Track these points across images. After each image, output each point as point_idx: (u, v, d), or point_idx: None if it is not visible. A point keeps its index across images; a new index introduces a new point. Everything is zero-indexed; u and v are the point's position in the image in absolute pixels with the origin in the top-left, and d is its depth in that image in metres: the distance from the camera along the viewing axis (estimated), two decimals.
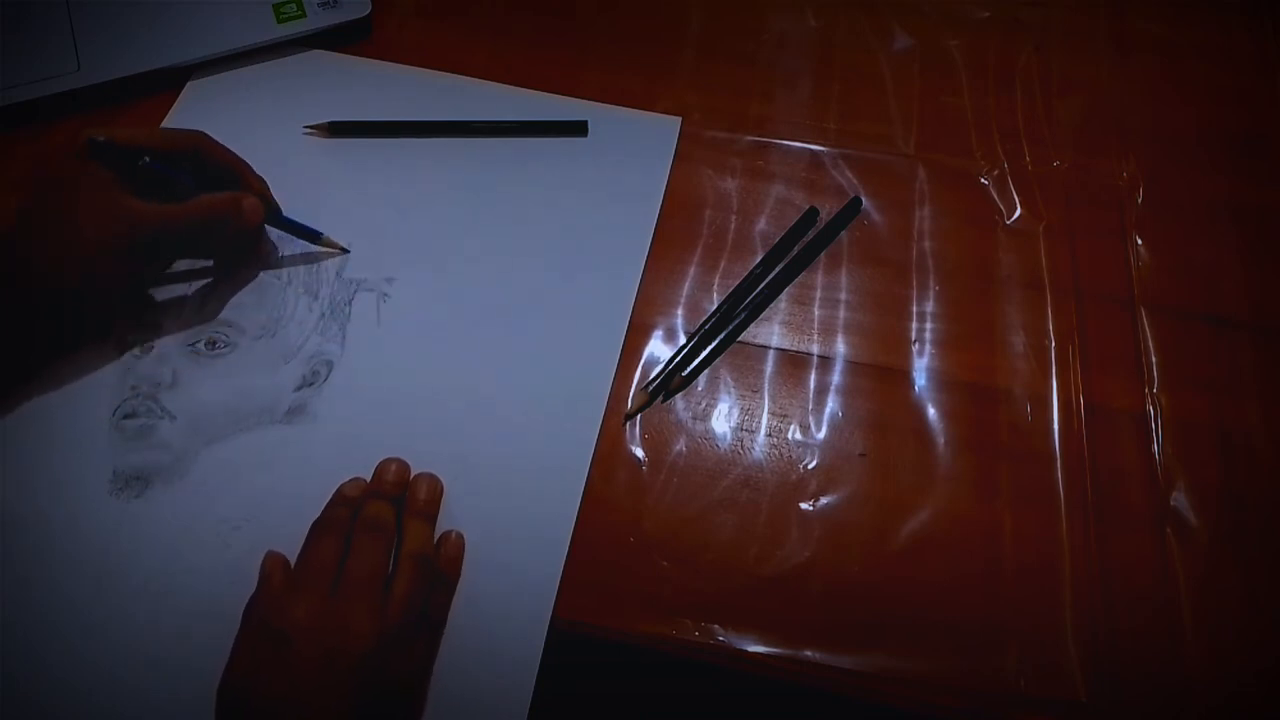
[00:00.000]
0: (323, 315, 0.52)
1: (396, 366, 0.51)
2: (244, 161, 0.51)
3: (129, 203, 0.46)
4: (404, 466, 0.47)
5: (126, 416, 0.48)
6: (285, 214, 0.53)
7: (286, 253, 0.54)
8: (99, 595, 0.44)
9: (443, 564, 0.44)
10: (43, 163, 0.46)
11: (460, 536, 0.46)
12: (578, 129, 0.59)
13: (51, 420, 0.48)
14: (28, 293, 0.45)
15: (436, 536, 0.46)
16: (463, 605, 0.44)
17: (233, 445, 0.48)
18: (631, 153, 0.59)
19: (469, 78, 0.62)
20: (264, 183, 0.52)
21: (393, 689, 0.40)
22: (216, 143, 0.50)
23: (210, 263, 0.53)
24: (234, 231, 0.49)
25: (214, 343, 0.51)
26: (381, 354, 0.51)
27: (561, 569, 0.45)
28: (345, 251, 0.54)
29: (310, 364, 0.51)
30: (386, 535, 0.43)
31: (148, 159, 0.46)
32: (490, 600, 0.44)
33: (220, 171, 0.50)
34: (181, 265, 0.53)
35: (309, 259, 0.54)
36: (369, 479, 0.47)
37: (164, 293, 0.52)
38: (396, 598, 0.40)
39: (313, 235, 0.53)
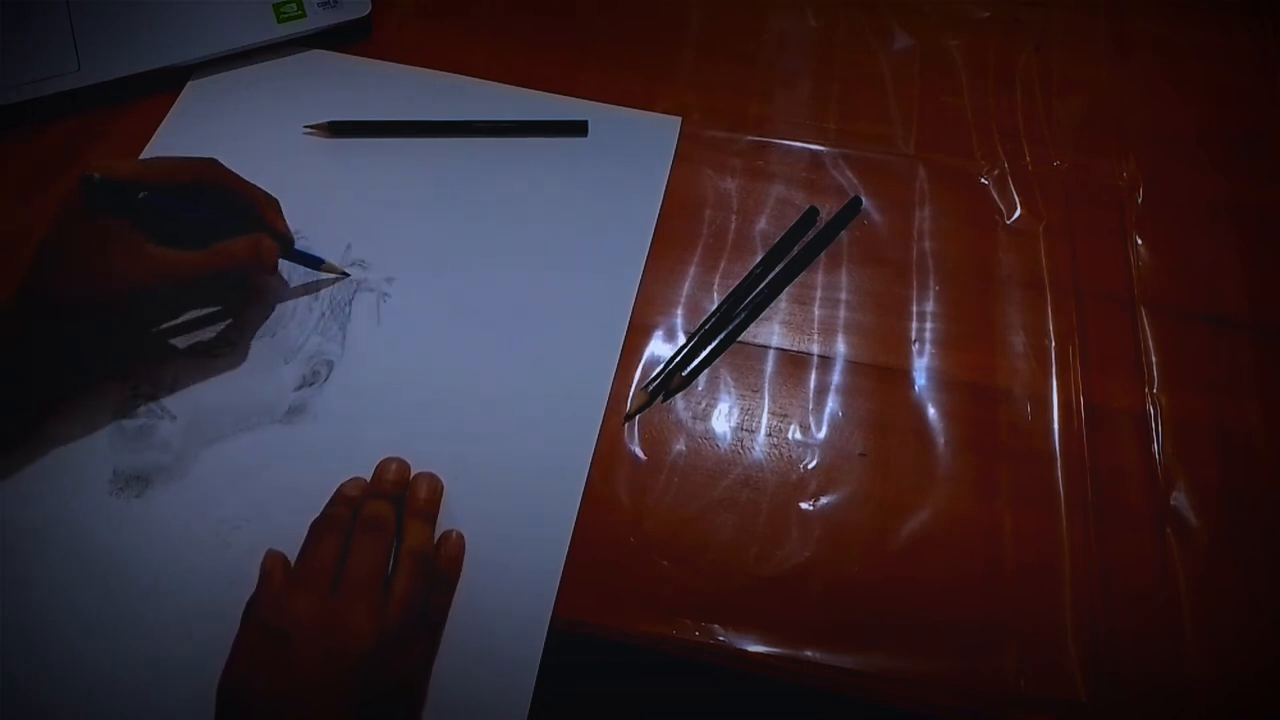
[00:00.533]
0: (323, 315, 0.52)
1: (397, 366, 0.51)
2: (255, 188, 0.50)
3: (149, 251, 0.44)
4: (404, 466, 0.47)
5: (126, 416, 0.48)
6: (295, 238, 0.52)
7: (296, 283, 0.54)
8: (99, 595, 0.44)
9: (443, 564, 0.44)
10: (62, 202, 0.44)
11: (460, 536, 0.46)
12: (578, 129, 0.59)
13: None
14: (47, 334, 0.44)
15: (437, 536, 0.46)
16: (463, 605, 0.44)
17: (233, 445, 0.48)
18: (631, 152, 0.59)
19: (469, 78, 0.62)
20: (277, 207, 0.51)
21: (392, 688, 0.40)
22: (226, 171, 0.48)
23: (218, 307, 0.52)
24: (260, 273, 0.49)
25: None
26: (381, 354, 0.51)
27: (561, 569, 0.45)
28: (346, 275, 0.53)
29: (310, 364, 0.51)
30: (387, 535, 0.43)
31: (144, 194, 0.44)
32: (490, 600, 0.44)
33: (231, 200, 0.48)
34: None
35: (311, 288, 0.54)
36: (369, 479, 0.47)
37: (183, 340, 0.51)
38: (396, 597, 0.40)
39: (315, 262, 0.53)
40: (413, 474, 0.47)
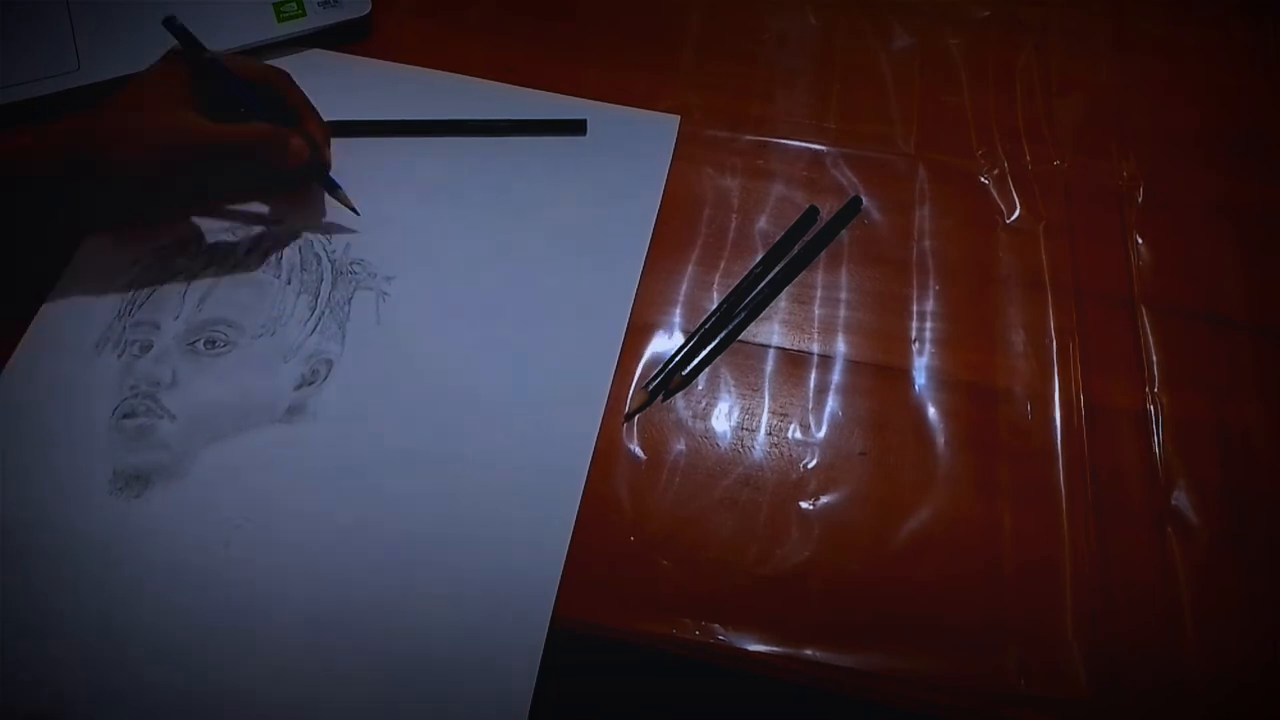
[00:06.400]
0: (322, 314, 0.52)
1: (396, 366, 0.51)
2: (313, 108, 0.54)
3: (189, 116, 0.49)
4: None
5: (126, 416, 0.48)
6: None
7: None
8: (99, 595, 0.44)
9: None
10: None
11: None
12: (576, 128, 0.59)
13: (51, 420, 0.48)
14: (95, 181, 0.48)
15: None
16: (464, 606, 0.44)
17: (233, 445, 0.48)
18: (630, 151, 0.59)
19: (467, 76, 0.62)
20: (327, 134, 0.55)
21: None
22: (292, 83, 0.53)
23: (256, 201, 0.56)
24: (277, 166, 0.52)
25: (213, 342, 0.51)
26: (381, 353, 0.51)
27: (561, 569, 0.45)
28: (356, 213, 0.55)
29: (310, 363, 0.51)
30: None
31: (210, 55, 0.50)
32: (491, 600, 0.44)
33: (287, 110, 0.53)
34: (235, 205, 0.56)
35: (328, 229, 0.55)
36: (366, 478, 0.47)
37: (213, 235, 0.54)
38: None
39: (333, 186, 0.55)
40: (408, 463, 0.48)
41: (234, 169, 0.55)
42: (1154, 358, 0.53)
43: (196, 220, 0.55)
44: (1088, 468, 0.49)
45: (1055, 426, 0.50)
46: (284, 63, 0.61)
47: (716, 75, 0.63)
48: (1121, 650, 0.45)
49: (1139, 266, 0.56)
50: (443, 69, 0.62)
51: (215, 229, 0.54)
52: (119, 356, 0.50)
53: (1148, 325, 0.54)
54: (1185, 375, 0.52)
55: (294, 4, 0.62)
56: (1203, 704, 0.44)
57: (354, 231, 0.55)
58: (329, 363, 0.51)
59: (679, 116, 0.61)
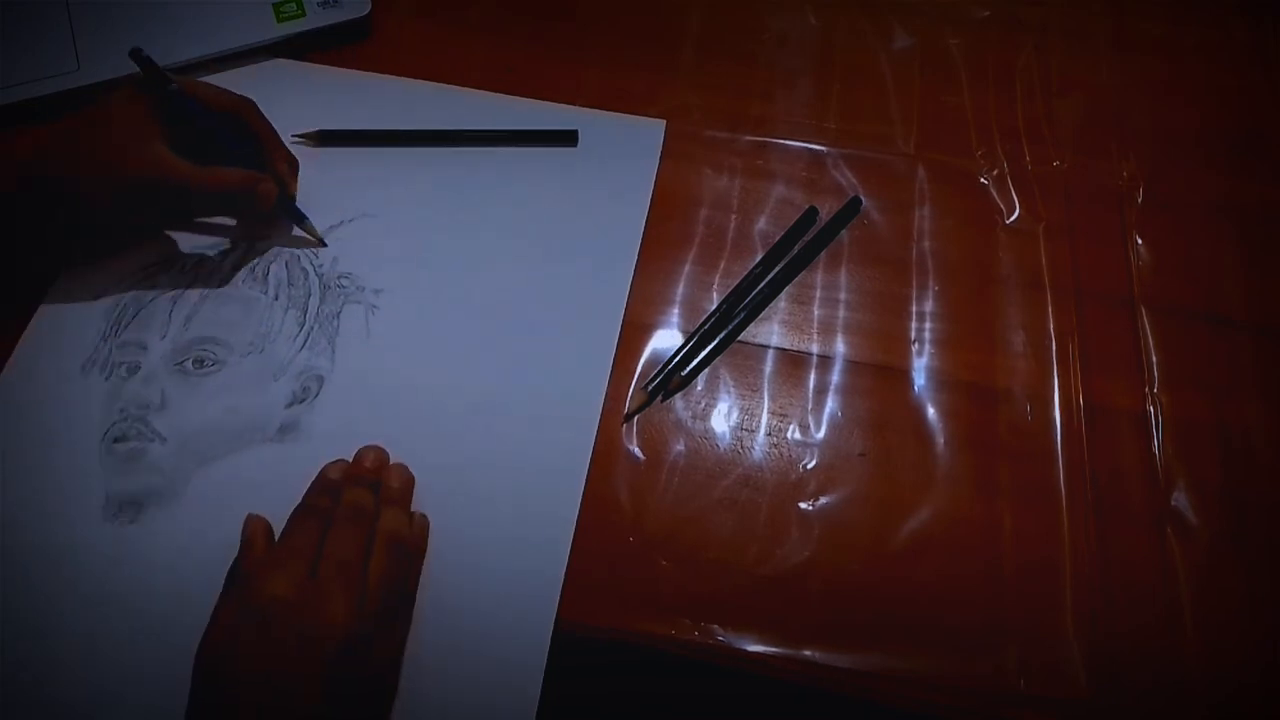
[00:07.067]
0: (310, 330, 0.52)
1: (388, 379, 0.50)
2: (278, 140, 0.54)
3: (158, 151, 0.48)
4: (381, 452, 0.47)
5: (116, 440, 0.48)
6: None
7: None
8: (98, 621, 0.43)
9: (410, 544, 0.45)
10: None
11: (424, 517, 0.46)
12: (568, 139, 0.59)
13: (42, 447, 0.47)
14: (55, 200, 0.47)
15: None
16: (467, 610, 0.44)
17: (226, 465, 0.47)
18: (618, 157, 0.58)
19: (456, 86, 0.61)
20: (293, 165, 0.55)
21: (369, 671, 0.40)
22: (258, 112, 0.53)
23: (233, 222, 0.56)
24: (247, 211, 0.53)
25: (201, 361, 0.50)
26: (372, 367, 0.51)
27: (564, 571, 0.45)
28: (323, 244, 0.55)
29: (300, 380, 0.50)
30: (365, 523, 0.43)
31: (175, 86, 0.49)
32: (494, 605, 0.44)
33: (254, 140, 0.52)
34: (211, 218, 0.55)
35: (300, 241, 0.55)
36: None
37: (197, 252, 0.54)
38: (373, 581, 0.41)
39: (300, 217, 0.54)
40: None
41: (203, 210, 0.55)
42: (1154, 358, 0.53)
43: (179, 236, 0.54)
44: (1087, 468, 0.49)
45: (1055, 427, 0.50)
46: (274, 72, 0.61)
47: (716, 75, 0.63)
48: (1121, 650, 0.45)
49: (1139, 266, 0.56)
50: (442, 69, 0.62)
51: (199, 245, 0.54)
52: (106, 379, 0.49)
53: (1148, 325, 0.54)
54: (1185, 375, 0.52)
55: (294, 4, 0.62)
56: (1203, 704, 0.44)
57: (336, 242, 0.55)
58: (320, 379, 0.50)
59: (665, 121, 0.60)
